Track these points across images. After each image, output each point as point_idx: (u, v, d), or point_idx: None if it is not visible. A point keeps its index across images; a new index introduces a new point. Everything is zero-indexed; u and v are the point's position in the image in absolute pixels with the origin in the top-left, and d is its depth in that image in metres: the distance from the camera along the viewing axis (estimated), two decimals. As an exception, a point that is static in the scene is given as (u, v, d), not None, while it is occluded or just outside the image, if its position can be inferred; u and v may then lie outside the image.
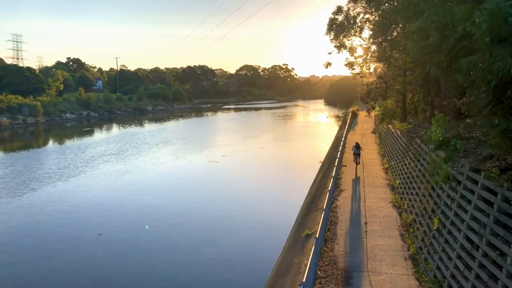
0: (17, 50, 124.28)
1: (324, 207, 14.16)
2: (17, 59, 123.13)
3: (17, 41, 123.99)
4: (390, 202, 17.66)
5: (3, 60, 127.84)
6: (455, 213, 10.34)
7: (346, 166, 25.62)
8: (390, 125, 32.85)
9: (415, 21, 15.95)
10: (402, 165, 20.36)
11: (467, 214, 9.46)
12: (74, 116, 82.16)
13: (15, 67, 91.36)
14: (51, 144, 50.48)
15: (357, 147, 25.63)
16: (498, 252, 7.69)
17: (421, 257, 11.62)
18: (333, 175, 19.73)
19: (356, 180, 21.94)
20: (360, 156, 26.09)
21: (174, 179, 31.36)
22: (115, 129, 69.28)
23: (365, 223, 15.07)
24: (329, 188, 16.98)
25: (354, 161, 25.54)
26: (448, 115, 18.90)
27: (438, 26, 12.52)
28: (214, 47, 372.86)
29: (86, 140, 53.11)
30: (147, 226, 20.32)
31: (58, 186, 28.62)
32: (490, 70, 8.63)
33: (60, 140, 53.47)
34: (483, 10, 8.47)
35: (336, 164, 22.38)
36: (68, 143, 50.30)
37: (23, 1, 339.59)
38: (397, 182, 19.64)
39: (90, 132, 62.07)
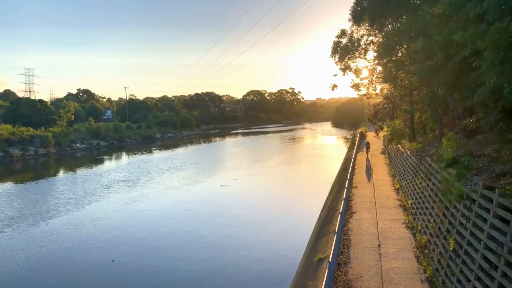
0: (29, 83, 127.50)
1: (336, 230, 13.93)
2: (29, 92, 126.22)
3: (29, 75, 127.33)
4: (403, 223, 17.33)
5: (15, 94, 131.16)
6: (471, 233, 10.09)
7: (356, 187, 25.37)
8: (399, 145, 32.63)
9: (420, 39, 16.11)
10: (413, 185, 20.08)
11: (484, 233, 9.22)
12: (84, 145, 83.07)
13: (27, 100, 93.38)
14: (66, 173, 50.83)
15: (368, 143, 42.80)
16: (518, 272, 7.44)
17: (439, 280, 11.29)
18: (344, 197, 19.50)
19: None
20: (369, 149, 41.31)
21: (186, 204, 31.31)
22: (126, 157, 69.74)
23: (379, 245, 14.76)
24: (340, 211, 16.75)
25: (366, 152, 40.95)
26: (458, 132, 18.76)
27: (442, 45, 12.62)
28: (221, 74, 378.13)
29: (99, 168, 53.45)
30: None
31: (74, 213, 28.86)
32: (497, 93, 8.63)
33: (73, 169, 53.81)
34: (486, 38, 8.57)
35: (346, 186, 22.14)
36: (82, 172, 50.64)
37: (35, 36, 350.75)
38: (409, 202, 19.32)
39: (102, 161, 62.50)
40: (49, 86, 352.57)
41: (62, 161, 65.27)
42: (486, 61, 9.01)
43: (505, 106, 8.83)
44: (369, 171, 32.36)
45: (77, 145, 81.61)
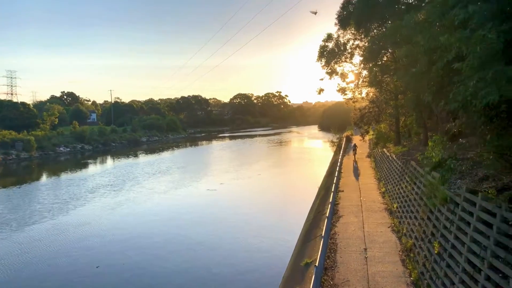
0: (12, 85, 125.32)
1: (323, 234, 13.96)
2: (12, 94, 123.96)
3: (11, 77, 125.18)
4: (389, 227, 17.46)
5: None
6: (455, 236, 10.21)
7: (343, 191, 25.50)
8: (384, 149, 32.96)
9: (403, 46, 16.31)
10: (398, 189, 20.28)
11: (467, 236, 9.34)
12: (68, 149, 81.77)
13: (9, 103, 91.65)
14: (49, 178, 49.86)
15: (355, 145, 44.10)
16: (500, 275, 7.54)
17: (424, 283, 11.39)
18: (331, 201, 19.58)
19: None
20: (356, 152, 42.23)
21: (173, 209, 31.07)
22: (111, 161, 68.87)
23: (365, 249, 14.83)
24: (327, 215, 16.80)
25: (353, 154, 42.05)
26: (441, 136, 19.03)
27: (426, 50, 12.80)
28: (208, 77, 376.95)
29: (84, 172, 52.61)
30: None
31: (58, 218, 28.41)
32: (475, 95, 8.80)
33: (57, 174, 52.81)
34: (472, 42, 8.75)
35: (333, 190, 22.24)
36: (67, 176, 49.76)
37: (17, 37, 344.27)
38: (395, 206, 19.50)
39: (86, 165, 61.60)
40: (32, 89, 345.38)
41: (45, 165, 64.07)
42: (468, 66, 9.19)
43: (484, 106, 8.98)
44: (356, 172, 33.05)
45: (61, 149, 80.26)
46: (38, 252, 21.52)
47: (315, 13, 37.04)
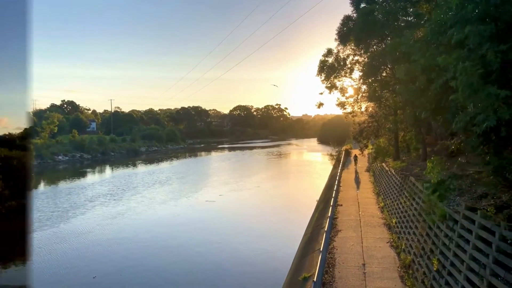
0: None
1: (321, 249, 13.96)
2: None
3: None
4: (387, 242, 17.44)
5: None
6: (454, 254, 10.23)
7: (341, 205, 25.50)
8: (383, 163, 33.03)
9: (403, 63, 16.53)
10: (397, 204, 20.31)
11: (466, 254, 9.36)
12: (67, 158, 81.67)
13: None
14: (48, 186, 49.71)
15: (356, 156, 47.66)
16: (500, 294, 7.56)
17: (422, 300, 11.36)
18: (329, 215, 19.59)
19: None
20: (357, 162, 45.55)
21: (172, 219, 31.09)
22: (110, 170, 68.83)
23: (363, 264, 14.80)
24: (325, 229, 16.81)
25: (354, 165, 45.01)
26: (441, 153, 19.14)
27: (425, 68, 12.98)
28: (208, 88, 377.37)
29: (83, 181, 52.51)
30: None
31: (58, 227, 28.48)
32: (474, 119, 8.93)
33: (56, 182, 52.66)
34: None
35: (331, 204, 22.26)
36: (66, 184, 49.64)
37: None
38: (394, 221, 19.50)
39: (85, 174, 61.51)
40: (32, 97, 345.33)
41: (43, 173, 63.90)
42: (461, 93, 9.37)
43: (484, 130, 9.10)
44: (355, 186, 33.44)
45: (60, 157, 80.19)
46: (36, 260, 21.35)
47: (276, 86, 44.40)
